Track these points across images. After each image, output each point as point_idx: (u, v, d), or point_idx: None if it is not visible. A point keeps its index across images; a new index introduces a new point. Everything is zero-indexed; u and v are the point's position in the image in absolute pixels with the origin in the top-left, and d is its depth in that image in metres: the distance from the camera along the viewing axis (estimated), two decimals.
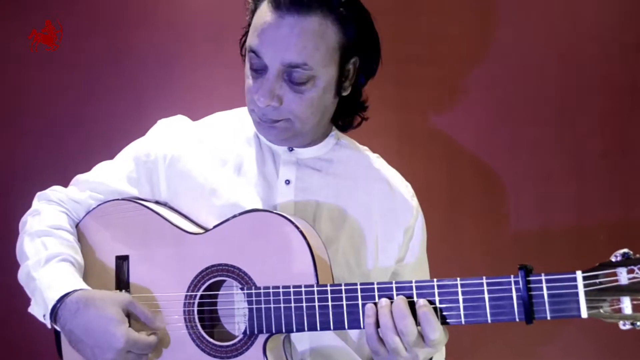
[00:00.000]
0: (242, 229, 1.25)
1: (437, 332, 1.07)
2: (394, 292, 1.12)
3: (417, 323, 1.09)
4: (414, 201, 1.47)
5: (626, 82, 2.06)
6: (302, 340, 1.30)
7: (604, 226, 2.03)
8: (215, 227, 1.29)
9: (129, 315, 1.25)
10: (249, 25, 1.32)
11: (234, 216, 1.26)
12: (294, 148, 1.40)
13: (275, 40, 1.25)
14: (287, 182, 1.38)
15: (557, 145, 2.07)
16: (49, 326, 1.26)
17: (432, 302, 1.09)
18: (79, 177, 1.47)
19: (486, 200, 2.09)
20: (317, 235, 1.24)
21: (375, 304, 1.11)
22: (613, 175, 2.05)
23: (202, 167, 1.38)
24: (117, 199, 1.40)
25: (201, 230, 1.31)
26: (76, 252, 1.35)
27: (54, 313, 1.23)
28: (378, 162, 1.50)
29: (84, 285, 1.27)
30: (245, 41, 1.35)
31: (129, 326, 1.23)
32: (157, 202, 1.41)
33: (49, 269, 1.28)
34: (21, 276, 1.33)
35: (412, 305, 1.10)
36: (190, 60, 2.10)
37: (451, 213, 2.06)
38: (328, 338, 1.30)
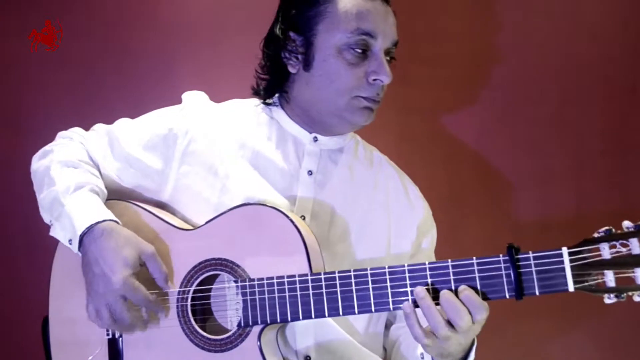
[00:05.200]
0: (234, 223, 1.25)
1: (482, 311, 1.09)
2: (387, 277, 1.14)
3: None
4: (424, 200, 1.50)
5: (626, 82, 2.06)
6: (306, 336, 1.29)
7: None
8: (207, 222, 1.29)
9: (144, 266, 1.26)
10: (310, 16, 1.33)
11: (225, 211, 1.27)
12: (318, 137, 1.40)
13: (387, 20, 1.34)
14: (310, 172, 1.37)
15: (557, 145, 2.07)
16: (75, 251, 1.29)
17: (425, 285, 1.12)
18: (100, 127, 1.48)
19: (487, 200, 2.09)
20: (307, 226, 1.25)
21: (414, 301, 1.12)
22: (613, 175, 2.05)
23: (220, 151, 1.38)
24: (110, 200, 1.39)
25: (191, 226, 1.32)
26: (101, 182, 1.38)
27: (81, 239, 1.26)
28: (389, 162, 1.52)
29: (113, 217, 1.29)
30: (284, 33, 1.36)
31: (138, 277, 1.23)
32: (147, 202, 1.40)
33: (79, 196, 1.30)
34: (45, 200, 1.34)
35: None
36: (191, 59, 2.10)
37: (452, 213, 2.06)
38: (333, 332, 1.30)
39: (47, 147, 1.45)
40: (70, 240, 1.28)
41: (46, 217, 1.36)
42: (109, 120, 1.52)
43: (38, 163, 1.42)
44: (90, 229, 1.25)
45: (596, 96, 2.07)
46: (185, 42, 2.10)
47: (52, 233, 1.33)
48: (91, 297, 1.24)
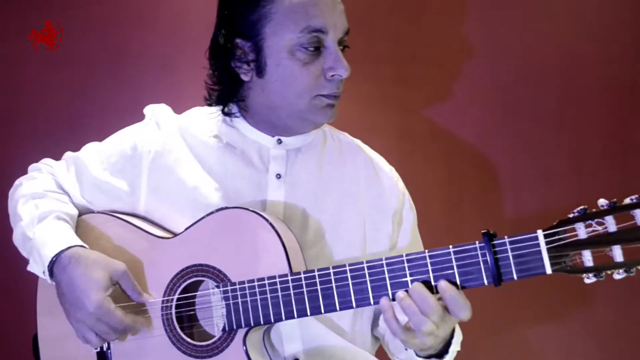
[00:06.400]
0: (212, 228, 1.25)
1: (466, 311, 1.08)
2: (366, 272, 1.13)
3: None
4: (399, 184, 1.46)
5: (626, 82, 2.06)
6: (293, 340, 1.29)
7: None
8: (186, 229, 1.28)
9: (118, 285, 1.26)
10: (254, 19, 1.26)
11: (203, 217, 1.26)
12: (282, 139, 1.37)
13: (335, 10, 1.27)
14: (278, 176, 1.36)
15: (557, 145, 2.07)
16: (49, 282, 1.28)
17: (403, 277, 1.11)
18: (68, 155, 1.48)
19: (486, 199, 2.09)
20: (285, 225, 1.24)
21: (393, 299, 1.11)
22: (613, 175, 2.05)
23: (185, 163, 1.36)
24: (89, 213, 1.39)
25: (171, 235, 1.31)
26: (69, 207, 1.38)
27: (51, 269, 1.26)
28: (361, 147, 1.48)
29: (79, 242, 1.29)
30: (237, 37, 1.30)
31: (114, 297, 1.23)
32: (127, 214, 1.39)
33: (44, 227, 1.30)
34: (17, 237, 1.35)
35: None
36: (190, 59, 2.09)
37: (451, 213, 2.06)
38: (320, 334, 1.30)
39: (17, 182, 1.45)
40: (43, 272, 1.28)
41: (24, 253, 1.36)
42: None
43: (10, 200, 1.43)
44: (57, 257, 1.25)
45: (596, 96, 2.07)
46: (184, 42, 2.09)
47: (29, 268, 1.32)
48: (73, 325, 1.25)
